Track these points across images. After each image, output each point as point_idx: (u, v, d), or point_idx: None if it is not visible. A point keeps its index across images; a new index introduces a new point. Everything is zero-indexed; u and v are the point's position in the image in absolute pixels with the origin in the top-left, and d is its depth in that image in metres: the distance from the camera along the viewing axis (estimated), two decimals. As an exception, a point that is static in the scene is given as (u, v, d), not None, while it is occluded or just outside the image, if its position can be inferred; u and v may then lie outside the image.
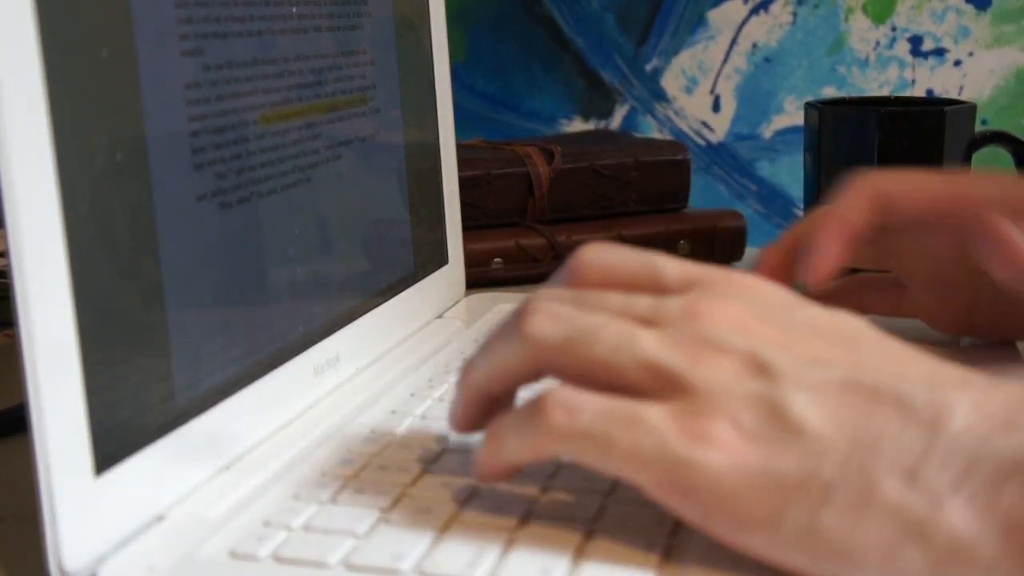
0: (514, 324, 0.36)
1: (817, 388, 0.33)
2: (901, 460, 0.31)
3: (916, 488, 0.31)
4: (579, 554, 0.34)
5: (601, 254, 0.37)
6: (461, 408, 0.38)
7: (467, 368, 0.38)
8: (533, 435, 0.34)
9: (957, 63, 1.05)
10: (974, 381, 0.33)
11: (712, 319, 0.34)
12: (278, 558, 0.35)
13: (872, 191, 0.49)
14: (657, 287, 0.36)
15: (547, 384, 0.35)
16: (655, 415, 0.33)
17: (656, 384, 0.33)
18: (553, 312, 0.35)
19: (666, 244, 0.78)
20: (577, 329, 0.35)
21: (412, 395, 0.49)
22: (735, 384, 0.33)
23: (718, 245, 0.80)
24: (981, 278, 0.50)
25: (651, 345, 0.34)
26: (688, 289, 0.36)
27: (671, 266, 0.37)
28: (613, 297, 0.36)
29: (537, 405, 0.34)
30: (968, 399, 0.32)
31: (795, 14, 1.07)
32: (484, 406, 0.38)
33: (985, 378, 0.33)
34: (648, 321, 0.35)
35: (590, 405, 0.33)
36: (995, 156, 0.76)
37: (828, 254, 0.49)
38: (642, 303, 0.35)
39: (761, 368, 0.33)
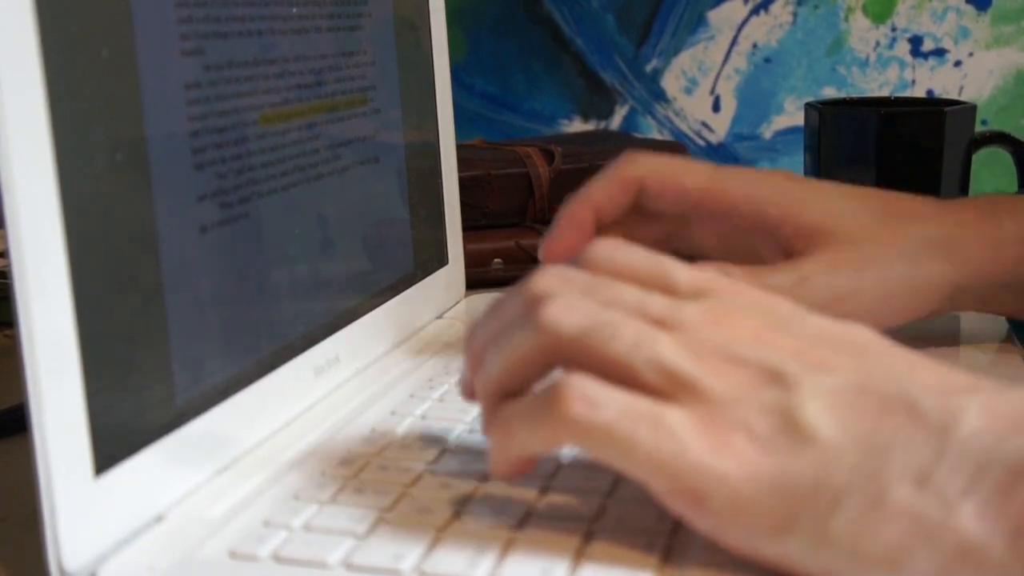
0: (527, 311, 0.35)
1: (829, 395, 0.32)
2: (912, 465, 0.31)
3: (927, 492, 0.31)
4: (579, 554, 0.34)
5: (614, 251, 0.37)
6: (484, 414, 0.37)
7: (475, 354, 0.37)
8: (547, 424, 0.33)
9: (957, 63, 1.05)
10: (984, 386, 0.33)
11: (729, 330, 0.34)
12: (278, 558, 0.35)
13: (624, 177, 0.50)
14: (667, 290, 0.36)
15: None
16: (677, 419, 0.32)
17: (669, 388, 0.33)
18: (569, 302, 0.35)
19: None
20: (595, 323, 0.34)
21: (412, 395, 0.49)
22: (750, 393, 0.33)
23: (718, 245, 0.80)
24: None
25: (669, 349, 0.33)
26: (699, 296, 0.36)
27: (682, 271, 0.36)
28: (628, 291, 0.35)
29: (553, 392, 0.33)
30: (978, 403, 0.32)
31: (795, 14, 1.07)
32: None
33: (994, 383, 0.33)
34: (664, 323, 0.34)
35: (612, 400, 0.33)
36: (995, 156, 0.76)
37: (564, 235, 0.50)
38: (658, 303, 0.35)
39: (775, 377, 0.33)
